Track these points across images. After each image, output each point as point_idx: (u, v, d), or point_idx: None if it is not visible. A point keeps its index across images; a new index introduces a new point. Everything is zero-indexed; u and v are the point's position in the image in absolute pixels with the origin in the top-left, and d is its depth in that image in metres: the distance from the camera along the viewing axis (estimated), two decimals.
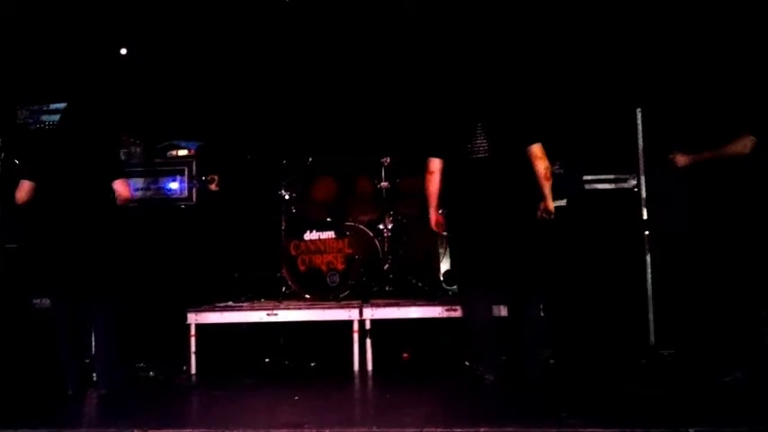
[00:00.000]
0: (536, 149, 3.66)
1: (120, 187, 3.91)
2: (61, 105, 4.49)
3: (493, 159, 3.67)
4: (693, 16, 4.98)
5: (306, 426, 3.16)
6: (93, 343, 4.04)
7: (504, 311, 4.05)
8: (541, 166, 3.65)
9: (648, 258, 4.69)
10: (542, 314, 4.08)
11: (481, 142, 3.69)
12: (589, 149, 4.91)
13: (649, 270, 4.68)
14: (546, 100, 4.87)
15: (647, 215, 4.71)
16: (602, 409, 3.30)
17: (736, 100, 3.94)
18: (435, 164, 3.78)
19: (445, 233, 4.08)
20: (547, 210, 3.69)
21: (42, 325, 4.25)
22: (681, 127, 4.29)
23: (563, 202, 4.81)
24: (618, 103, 4.97)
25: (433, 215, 3.86)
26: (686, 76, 4.69)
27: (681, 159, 4.01)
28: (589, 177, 4.85)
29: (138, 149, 5.04)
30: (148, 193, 4.94)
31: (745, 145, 3.78)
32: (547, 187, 3.67)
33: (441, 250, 5.14)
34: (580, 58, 5.45)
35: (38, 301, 4.42)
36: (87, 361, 4.12)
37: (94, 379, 4.00)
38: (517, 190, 3.66)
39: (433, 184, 3.79)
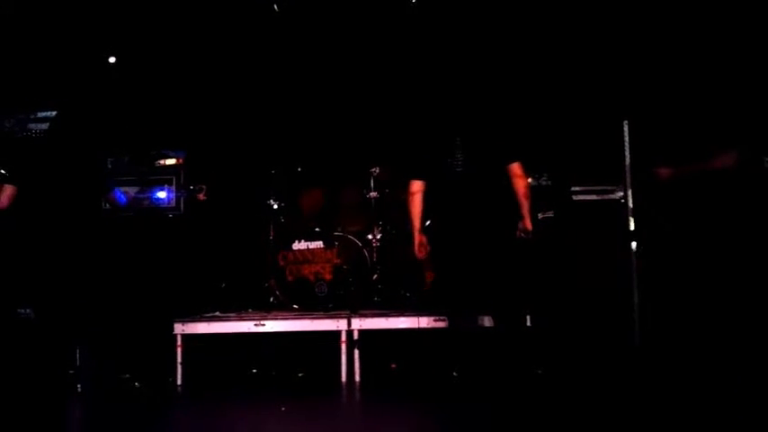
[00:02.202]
0: (515, 168, 3.69)
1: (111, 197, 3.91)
2: (48, 114, 4.46)
3: (472, 177, 3.68)
4: (680, 29, 5.05)
5: None
6: (78, 354, 4.00)
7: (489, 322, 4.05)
8: (521, 184, 3.69)
9: (635, 269, 4.72)
10: (527, 325, 4.09)
11: (460, 161, 3.70)
12: (576, 161, 4.95)
13: (635, 280, 4.70)
14: (529, 115, 4.91)
15: (634, 226, 4.74)
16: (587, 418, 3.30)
17: (723, 114, 3.98)
18: (416, 185, 3.80)
19: (425, 256, 4.04)
20: (525, 229, 3.71)
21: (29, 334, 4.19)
22: (667, 140, 4.34)
23: (550, 214, 4.84)
24: (605, 116, 5.02)
25: (417, 237, 3.83)
26: (673, 90, 4.75)
27: (665, 173, 4.05)
28: (576, 188, 4.87)
29: (125, 159, 5.01)
30: (136, 203, 4.90)
31: (730, 159, 3.82)
32: (525, 206, 3.69)
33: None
34: (567, 70, 5.49)
35: (23, 311, 4.37)
36: (72, 372, 4.08)
37: (79, 390, 3.96)
38: (496, 207, 3.68)
39: (415, 205, 3.80)
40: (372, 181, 5.43)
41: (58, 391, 3.89)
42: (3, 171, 4.08)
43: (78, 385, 3.98)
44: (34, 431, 3.31)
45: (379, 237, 5.36)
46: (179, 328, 4.57)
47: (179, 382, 4.49)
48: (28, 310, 4.12)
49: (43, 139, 4.43)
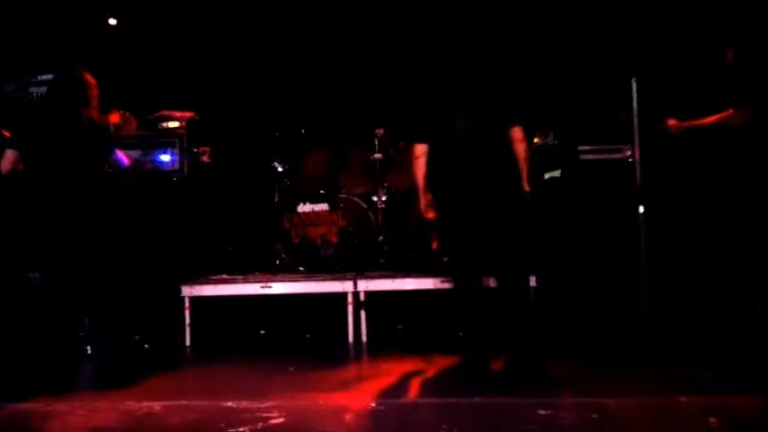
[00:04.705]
0: (516, 132, 3.68)
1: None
2: (49, 77, 4.40)
3: (476, 139, 3.66)
4: None
5: (300, 395, 3.18)
6: (87, 317, 4.03)
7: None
8: (521, 148, 3.68)
9: (642, 229, 4.70)
10: (532, 285, 4.10)
11: (462, 123, 3.68)
12: (584, 120, 4.89)
13: (643, 240, 4.68)
14: (535, 74, 4.83)
15: (642, 186, 4.70)
16: (586, 379, 3.34)
17: (733, 71, 3.91)
18: (420, 149, 3.77)
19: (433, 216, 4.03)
20: (524, 191, 3.70)
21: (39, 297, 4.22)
22: (676, 97, 4.28)
23: (557, 173, 4.80)
24: (613, 73, 4.94)
25: (423, 199, 3.83)
26: (682, 46, 4.66)
27: (674, 124, 4.00)
28: (584, 148, 4.83)
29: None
30: (140, 166, 4.87)
31: (740, 116, 3.77)
32: (525, 170, 3.68)
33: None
34: (574, 28, 5.38)
35: (32, 275, 4.39)
36: (81, 334, 4.11)
37: (89, 352, 4.00)
38: (500, 168, 3.66)
39: (420, 168, 3.78)
40: (377, 142, 5.38)
41: (68, 352, 3.93)
42: (4, 134, 4.06)
43: (87, 347, 4.02)
44: (42, 390, 3.34)
45: (384, 198, 5.34)
46: (187, 291, 4.60)
47: (187, 343, 4.53)
48: (36, 275, 4.14)
49: (42, 102, 4.39)
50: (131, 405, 3.11)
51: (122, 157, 4.56)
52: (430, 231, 4.62)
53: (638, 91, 4.70)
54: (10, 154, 3.86)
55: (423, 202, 3.82)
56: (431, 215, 3.81)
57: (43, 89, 4.46)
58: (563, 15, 5.41)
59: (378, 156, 5.38)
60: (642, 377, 3.36)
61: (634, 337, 4.21)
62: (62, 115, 3.84)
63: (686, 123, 4.08)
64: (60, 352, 3.91)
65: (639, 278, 4.56)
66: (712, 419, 2.67)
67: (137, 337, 4.58)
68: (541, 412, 2.83)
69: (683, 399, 2.91)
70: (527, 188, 3.70)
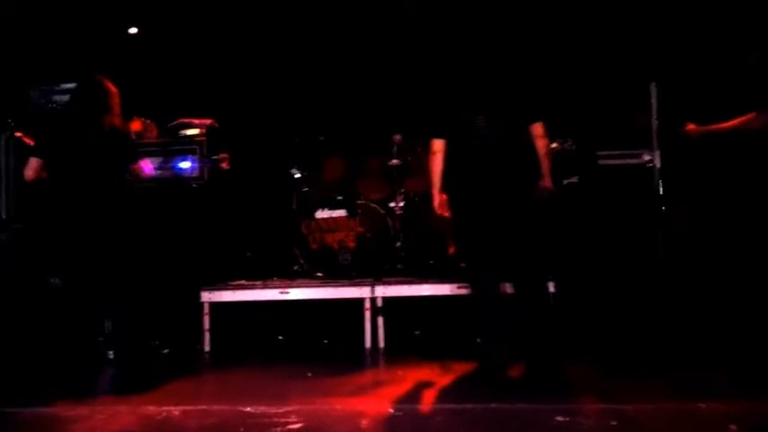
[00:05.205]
0: (537, 128, 3.63)
1: (137, 167, 3.94)
2: (72, 85, 4.48)
3: (494, 138, 3.63)
4: None
5: (318, 401, 3.19)
6: (108, 322, 4.08)
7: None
8: (542, 144, 3.63)
9: (662, 235, 4.65)
10: (551, 291, 4.07)
11: (482, 121, 3.65)
12: (602, 125, 4.86)
13: (662, 246, 4.63)
14: (552, 76, 4.80)
15: (662, 191, 4.66)
16: (605, 385, 3.31)
17: (754, 74, 3.87)
18: (438, 144, 3.74)
19: (448, 214, 4.02)
20: (545, 188, 3.66)
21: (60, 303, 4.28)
22: (696, 102, 4.24)
23: (575, 179, 4.77)
24: (631, 78, 4.90)
25: (437, 197, 3.80)
26: (702, 49, 4.62)
27: (694, 129, 3.96)
28: (602, 153, 4.79)
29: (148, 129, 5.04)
30: (160, 173, 4.94)
31: (761, 120, 3.73)
32: (546, 165, 3.63)
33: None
34: (593, 32, 5.36)
35: (54, 280, 4.46)
36: (101, 339, 4.17)
37: (109, 357, 4.05)
38: (518, 168, 3.62)
39: (436, 164, 3.75)
40: (394, 148, 5.40)
41: (89, 357, 3.98)
42: (28, 143, 4.13)
43: (109, 352, 4.07)
44: (68, 397, 3.39)
45: (401, 204, 5.35)
46: (206, 296, 4.64)
47: (206, 348, 4.57)
48: (57, 280, 4.20)
49: (65, 110, 4.46)
50: (151, 410, 3.15)
51: (146, 165, 4.61)
52: (446, 236, 4.62)
53: (657, 95, 4.66)
54: (34, 162, 3.91)
55: (436, 200, 3.80)
56: (445, 213, 3.79)
57: (66, 97, 4.54)
58: (580, 19, 5.39)
59: (395, 162, 5.40)
60: (661, 383, 3.33)
61: (653, 343, 4.16)
62: (84, 123, 3.90)
63: (706, 127, 4.04)
64: (81, 357, 3.96)
65: (658, 283, 4.51)
66: (732, 427, 2.64)
67: (156, 343, 4.62)
68: (559, 419, 2.81)
69: (703, 405, 2.88)
70: (549, 184, 3.65)
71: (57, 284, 4.17)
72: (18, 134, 4.49)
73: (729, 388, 3.14)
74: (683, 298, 4.35)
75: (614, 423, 2.77)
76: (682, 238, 4.46)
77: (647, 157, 4.73)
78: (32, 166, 3.91)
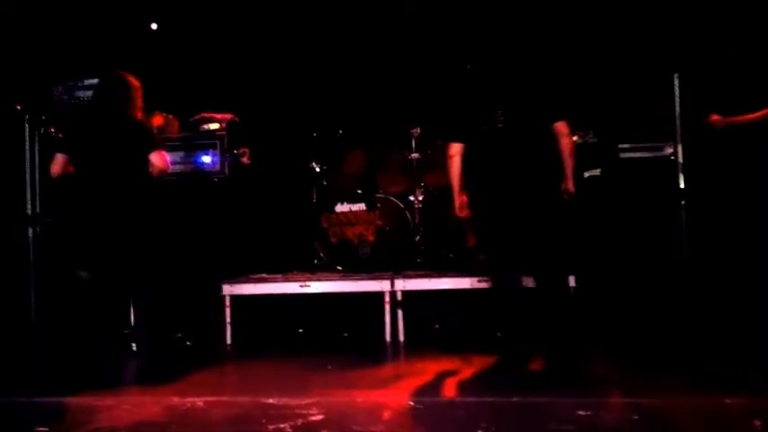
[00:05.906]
0: (561, 127, 3.56)
1: (156, 159, 3.96)
2: (95, 81, 4.53)
3: (514, 137, 3.58)
4: None
5: (339, 393, 3.21)
6: (132, 314, 4.14)
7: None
8: (566, 143, 3.56)
9: (685, 228, 4.60)
10: (572, 286, 4.05)
11: (502, 121, 3.60)
12: (624, 117, 4.81)
13: (685, 239, 4.58)
14: (575, 70, 4.76)
15: (685, 183, 4.60)
16: (627, 379, 3.29)
17: None
18: (455, 148, 3.72)
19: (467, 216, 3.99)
20: (567, 191, 3.61)
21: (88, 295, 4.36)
22: (719, 93, 4.18)
23: (597, 172, 4.73)
24: (654, 69, 4.84)
25: (457, 199, 3.79)
26: (725, 40, 4.55)
27: (717, 120, 3.91)
28: (624, 146, 4.74)
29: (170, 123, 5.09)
30: (181, 167, 4.98)
31: None
32: (569, 166, 3.57)
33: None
34: (615, 23, 5.31)
35: (83, 272, 4.54)
36: (126, 332, 4.23)
37: (134, 349, 4.11)
38: (539, 165, 3.58)
39: (455, 167, 3.73)
40: (414, 142, 5.40)
41: (115, 349, 4.05)
42: (57, 135, 4.19)
43: (133, 344, 4.13)
44: (95, 387, 3.44)
45: (421, 198, 5.35)
46: (227, 289, 4.69)
47: (228, 341, 4.62)
48: (85, 273, 4.27)
49: (88, 105, 4.52)
50: (175, 400, 3.19)
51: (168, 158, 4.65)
52: (466, 228, 4.61)
53: (680, 87, 4.60)
54: (60, 157, 3.98)
55: (457, 202, 3.79)
56: (465, 214, 3.78)
57: (89, 93, 4.59)
58: (602, 11, 5.33)
59: (415, 155, 5.39)
60: (684, 377, 3.31)
61: (676, 337, 4.13)
62: (108, 117, 3.95)
63: (730, 119, 3.99)
64: (107, 348, 4.03)
65: (681, 277, 4.47)
66: (757, 422, 2.62)
67: (179, 335, 4.68)
68: (581, 413, 2.80)
69: (727, 400, 2.85)
70: (571, 188, 3.60)
71: (85, 277, 4.24)
72: (52, 129, 4.57)
73: (754, 383, 3.10)
74: (705, 292, 4.31)
75: (636, 417, 2.76)
76: (705, 231, 4.41)
77: (669, 150, 4.68)
78: (58, 162, 3.98)
